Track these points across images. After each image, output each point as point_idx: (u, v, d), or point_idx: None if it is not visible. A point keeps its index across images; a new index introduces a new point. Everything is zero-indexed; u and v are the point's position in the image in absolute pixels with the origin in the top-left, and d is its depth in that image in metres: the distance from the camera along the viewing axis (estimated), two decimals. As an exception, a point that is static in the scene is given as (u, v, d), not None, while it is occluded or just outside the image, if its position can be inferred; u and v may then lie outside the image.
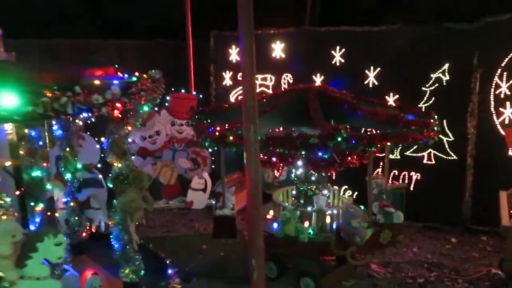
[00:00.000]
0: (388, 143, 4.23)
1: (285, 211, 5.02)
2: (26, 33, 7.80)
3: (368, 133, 4.76)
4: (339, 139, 3.88)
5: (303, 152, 4.14)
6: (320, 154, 4.06)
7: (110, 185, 4.12)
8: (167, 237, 6.94)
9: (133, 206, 3.80)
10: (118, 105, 3.31)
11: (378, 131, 4.39)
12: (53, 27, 9.03)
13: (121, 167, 3.96)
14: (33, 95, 2.77)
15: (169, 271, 4.45)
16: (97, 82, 3.28)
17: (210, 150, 8.13)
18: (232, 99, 7.87)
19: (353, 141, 3.95)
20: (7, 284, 3.10)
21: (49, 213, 4.29)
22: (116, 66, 4.19)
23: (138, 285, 4.07)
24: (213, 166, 8.15)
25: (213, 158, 8.15)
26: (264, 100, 5.44)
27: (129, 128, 3.89)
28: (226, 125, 4.55)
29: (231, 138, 4.33)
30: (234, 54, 7.81)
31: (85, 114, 3.23)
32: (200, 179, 7.91)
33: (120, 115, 3.64)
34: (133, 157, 7.84)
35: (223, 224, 4.98)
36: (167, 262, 4.65)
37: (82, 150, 7.51)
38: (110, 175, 4.09)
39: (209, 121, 4.89)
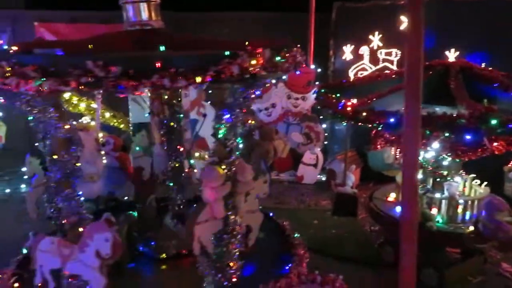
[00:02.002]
0: (554, 130, 3.66)
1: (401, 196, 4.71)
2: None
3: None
4: (494, 122, 3.46)
5: (446, 134, 3.78)
6: (467, 137, 3.67)
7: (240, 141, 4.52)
8: (278, 208, 7.04)
9: (269, 156, 4.25)
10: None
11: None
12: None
13: (253, 124, 4.54)
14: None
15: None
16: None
17: (324, 125, 7.99)
18: (351, 74, 7.57)
19: (510, 125, 3.49)
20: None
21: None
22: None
23: None
24: (325, 142, 8.01)
25: (326, 134, 8.00)
26: (395, 76, 5.10)
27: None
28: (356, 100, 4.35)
29: (364, 114, 4.14)
30: (357, 27, 7.44)
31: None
32: (312, 154, 7.84)
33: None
34: (248, 128, 8.08)
35: (345, 202, 4.88)
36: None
37: (201, 118, 7.96)
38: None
39: (338, 95, 4.72)
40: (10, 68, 2.67)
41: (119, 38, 3.41)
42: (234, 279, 3.63)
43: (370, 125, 4.16)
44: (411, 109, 2.38)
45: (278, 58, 3.18)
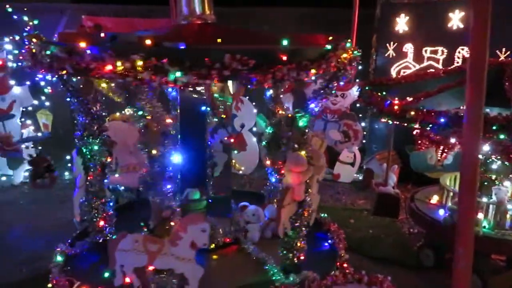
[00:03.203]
0: None
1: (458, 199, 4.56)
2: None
3: None
4: (555, 125, 3.29)
5: (501, 136, 3.63)
6: (524, 140, 3.51)
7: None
8: (314, 206, 6.99)
9: None
10: None
11: None
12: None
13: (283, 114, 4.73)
14: None
15: None
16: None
17: (363, 124, 7.86)
18: (393, 73, 7.39)
19: None
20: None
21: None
22: None
23: None
24: (364, 141, 7.87)
25: (364, 133, 7.87)
26: (444, 74, 4.94)
27: None
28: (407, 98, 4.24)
29: (412, 113, 4.03)
30: (401, 24, 7.25)
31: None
32: (350, 153, 7.74)
33: None
34: (286, 124, 8.05)
35: (387, 202, 4.78)
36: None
37: (240, 112, 8.00)
38: None
39: (383, 93, 4.62)
40: (142, 62, 2.65)
41: (187, 31, 3.44)
42: (302, 257, 3.85)
43: (417, 125, 4.04)
44: (473, 110, 2.29)
45: (356, 52, 3.45)
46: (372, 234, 5.97)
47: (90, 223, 4.42)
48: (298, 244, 3.82)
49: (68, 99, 4.11)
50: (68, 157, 7.85)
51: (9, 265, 5.08)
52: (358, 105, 7.84)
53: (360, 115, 7.90)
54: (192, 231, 3.31)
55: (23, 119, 7.92)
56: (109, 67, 2.69)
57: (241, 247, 4.41)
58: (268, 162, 5.65)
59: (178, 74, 2.64)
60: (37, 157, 6.13)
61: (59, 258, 4.07)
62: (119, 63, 2.67)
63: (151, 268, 3.45)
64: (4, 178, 7.79)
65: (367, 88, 5.03)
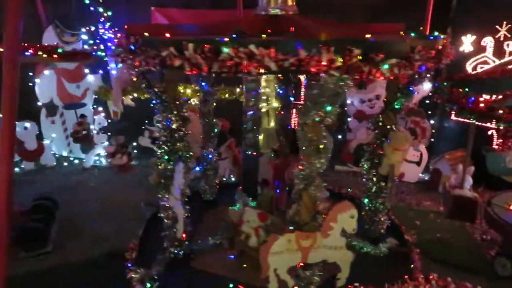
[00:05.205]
0: None
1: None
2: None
3: None
4: None
5: None
6: None
7: None
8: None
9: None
10: None
11: None
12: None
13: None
14: None
15: None
16: None
17: (432, 122, 7.45)
18: (469, 68, 6.91)
19: None
20: None
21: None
22: None
23: None
24: (432, 140, 7.47)
25: (433, 131, 7.45)
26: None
27: None
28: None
29: (501, 111, 3.74)
30: (481, 15, 6.73)
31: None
32: (416, 151, 7.37)
33: None
34: (349, 119, 7.84)
35: (464, 206, 4.50)
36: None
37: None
38: None
39: (466, 90, 4.33)
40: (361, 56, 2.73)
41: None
42: (383, 229, 4.22)
43: (506, 124, 3.74)
44: None
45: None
46: (440, 238, 5.66)
47: (168, 237, 4.26)
48: (382, 217, 4.22)
49: (153, 104, 3.88)
50: (134, 144, 8.18)
51: (82, 244, 5.38)
52: (427, 101, 7.44)
53: (429, 112, 7.49)
54: (341, 219, 3.35)
55: (95, 106, 8.33)
56: (324, 63, 2.57)
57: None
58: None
59: (386, 66, 2.69)
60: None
61: (148, 285, 3.86)
62: (340, 59, 2.59)
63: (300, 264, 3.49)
64: (76, 161, 8.26)
65: (445, 84, 4.75)
